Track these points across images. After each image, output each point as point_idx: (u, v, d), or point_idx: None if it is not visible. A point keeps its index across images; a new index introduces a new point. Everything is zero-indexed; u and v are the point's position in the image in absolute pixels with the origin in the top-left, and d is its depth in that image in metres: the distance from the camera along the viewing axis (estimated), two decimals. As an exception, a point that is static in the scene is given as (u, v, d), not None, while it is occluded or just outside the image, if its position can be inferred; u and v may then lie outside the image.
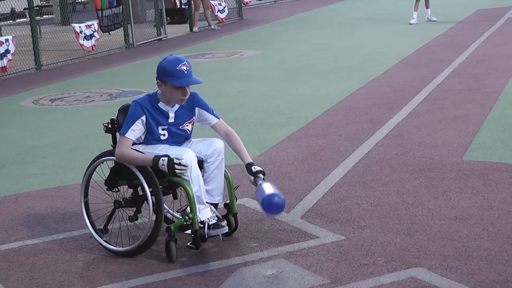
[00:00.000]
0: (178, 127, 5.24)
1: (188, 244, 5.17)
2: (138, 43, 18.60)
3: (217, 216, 5.22)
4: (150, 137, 5.19)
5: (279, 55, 15.28)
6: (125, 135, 5.10)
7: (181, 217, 5.33)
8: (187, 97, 5.17)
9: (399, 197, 6.06)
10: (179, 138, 5.27)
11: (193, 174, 5.04)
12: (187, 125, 5.29)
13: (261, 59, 14.88)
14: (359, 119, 8.98)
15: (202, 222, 5.11)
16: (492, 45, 14.77)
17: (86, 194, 5.43)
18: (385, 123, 8.67)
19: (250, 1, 28.38)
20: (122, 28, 18.28)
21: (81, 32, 16.60)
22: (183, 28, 21.84)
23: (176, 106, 5.22)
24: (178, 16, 23.61)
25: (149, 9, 22.67)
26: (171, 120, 5.20)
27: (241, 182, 6.58)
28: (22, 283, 4.83)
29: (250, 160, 5.28)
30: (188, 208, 5.14)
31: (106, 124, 5.36)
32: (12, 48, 14.50)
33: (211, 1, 22.16)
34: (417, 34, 17.28)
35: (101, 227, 5.35)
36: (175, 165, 4.90)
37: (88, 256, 5.20)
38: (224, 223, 5.22)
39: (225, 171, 5.32)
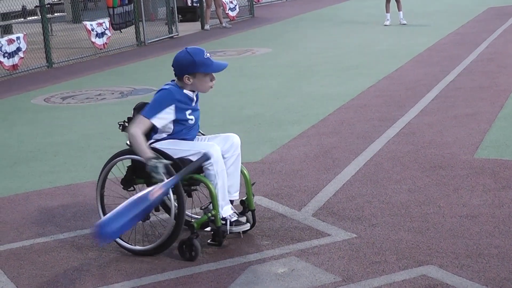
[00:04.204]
0: (196, 107, 5.26)
1: (209, 241, 5.12)
2: (149, 41, 18.63)
3: (235, 212, 5.21)
4: (179, 123, 5.14)
5: (291, 53, 15.27)
6: (149, 119, 5.07)
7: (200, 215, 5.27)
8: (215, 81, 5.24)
9: (411, 195, 6.05)
10: (198, 117, 5.28)
11: (219, 168, 5.03)
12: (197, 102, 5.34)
13: (272, 57, 14.87)
14: (370, 117, 8.96)
15: (224, 219, 5.09)
16: (504, 43, 14.71)
17: (102, 196, 5.39)
18: (396, 121, 8.65)
19: (261, -1, 28.36)
20: (134, 26, 18.31)
21: (92, 30, 16.64)
22: (195, 26, 21.87)
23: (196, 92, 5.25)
24: (189, 14, 23.63)
25: (161, 7, 22.69)
26: (193, 104, 5.23)
27: (258, 179, 6.58)
28: (33, 281, 4.84)
29: None
30: (211, 205, 5.09)
31: (122, 123, 5.32)
32: (23, 46, 14.54)
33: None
34: (428, 32, 17.23)
35: None
36: (158, 173, 4.88)
37: (100, 254, 5.20)
38: (244, 219, 5.21)
39: (241, 167, 5.31)
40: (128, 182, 5.27)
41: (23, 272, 4.98)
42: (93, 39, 16.65)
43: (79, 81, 13.34)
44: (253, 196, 5.41)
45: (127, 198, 5.17)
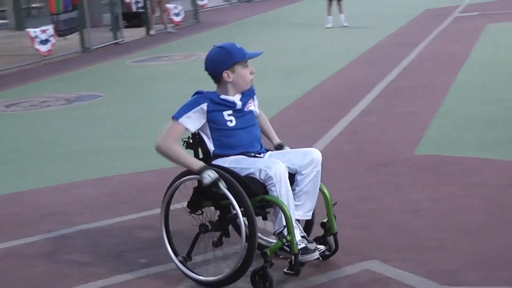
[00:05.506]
0: (243, 109, 4.66)
1: (285, 270, 4.44)
2: (95, 47, 18.46)
3: (304, 238, 4.60)
4: (216, 127, 4.59)
5: (235, 57, 15.23)
6: (178, 120, 4.53)
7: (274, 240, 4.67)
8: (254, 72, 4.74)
9: (355, 192, 6.11)
10: (248, 122, 4.67)
11: (283, 189, 4.40)
12: (250, 105, 4.73)
13: (217, 61, 14.83)
14: (314, 117, 9.03)
15: (287, 247, 4.44)
16: (441, 43, 14.96)
17: (167, 219, 4.76)
18: (339, 120, 8.73)
19: (206, 4, 28.36)
20: (79, 32, 18.14)
21: (36, 37, 16.39)
22: (140, 32, 21.75)
23: (238, 96, 4.68)
24: (134, 19, 23.48)
25: (106, 13, 22.53)
26: (238, 107, 4.64)
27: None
28: (-21, 291, 4.77)
29: (278, 140, 5.00)
30: (285, 229, 4.42)
31: (187, 139, 4.69)
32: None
33: (167, 5, 22.13)
34: (368, 34, 17.43)
35: (184, 255, 4.74)
36: (219, 183, 4.35)
37: (47, 262, 5.12)
38: (314, 246, 4.54)
39: (321, 185, 4.70)
40: (196, 205, 4.63)
41: (-32, 282, 4.90)
42: (37, 46, 16.40)
43: (24, 89, 13.14)
44: (335, 218, 4.77)
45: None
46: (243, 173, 4.46)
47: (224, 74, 4.66)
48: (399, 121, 8.48)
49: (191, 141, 4.68)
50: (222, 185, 4.35)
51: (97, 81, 13.49)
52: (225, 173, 4.42)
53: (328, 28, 19.11)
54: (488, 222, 5.23)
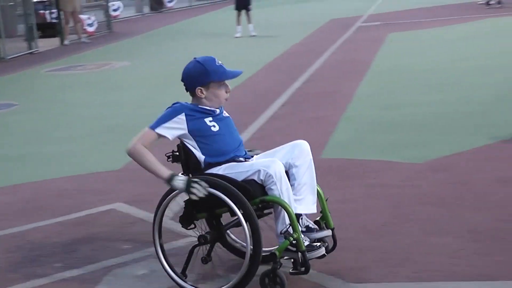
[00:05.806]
0: (222, 115, 4.54)
1: (291, 270, 4.29)
2: (9, 57, 18.08)
3: (314, 228, 4.45)
4: (201, 135, 4.40)
5: (149, 65, 15.20)
6: (154, 129, 4.36)
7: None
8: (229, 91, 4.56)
9: (263, 195, 6.13)
10: (229, 126, 4.54)
11: (283, 186, 4.26)
12: (226, 113, 4.63)
13: (131, 70, 14.76)
14: (225, 123, 9.04)
15: (294, 245, 4.26)
16: (345, 52, 15.20)
17: (160, 235, 4.56)
18: (248, 126, 8.77)
19: (118, 15, 28.12)
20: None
21: (-50, 47, 15.98)
22: (54, 42, 21.43)
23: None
24: (49, 29, 23.12)
25: (20, 23, 22.09)
26: (217, 113, 4.51)
27: (119, 187, 6.49)
28: None
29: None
30: (290, 228, 4.25)
31: (171, 153, 4.52)
32: None
33: (80, 15, 21.89)
34: (276, 43, 17.59)
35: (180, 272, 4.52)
36: (192, 183, 4.17)
37: (-38, 267, 5.00)
38: (318, 243, 4.41)
39: None
40: (189, 219, 4.44)
41: None
42: (-50, 56, 15.99)
43: None
44: (330, 213, 4.63)
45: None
46: (241, 178, 4.28)
47: (198, 90, 4.49)
48: (306, 126, 8.58)
49: (177, 154, 4.50)
50: (200, 183, 4.15)
51: (13, 90, 13.21)
52: (219, 179, 4.24)
53: (237, 37, 19.21)
54: (390, 222, 5.33)
